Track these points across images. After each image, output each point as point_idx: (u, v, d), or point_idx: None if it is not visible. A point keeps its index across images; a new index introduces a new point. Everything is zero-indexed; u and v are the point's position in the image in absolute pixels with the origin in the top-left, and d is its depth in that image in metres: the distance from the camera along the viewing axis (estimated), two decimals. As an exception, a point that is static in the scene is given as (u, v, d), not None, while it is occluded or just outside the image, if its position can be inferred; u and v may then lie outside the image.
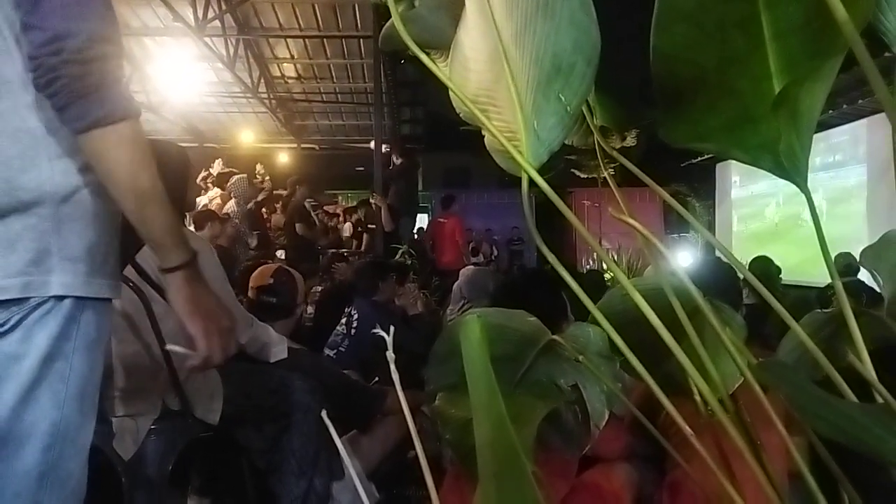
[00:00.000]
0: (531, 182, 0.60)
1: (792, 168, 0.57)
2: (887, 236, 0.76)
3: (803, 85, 0.53)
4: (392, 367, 0.54)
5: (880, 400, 0.52)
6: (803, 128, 0.56)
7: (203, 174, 7.07)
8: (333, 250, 7.30)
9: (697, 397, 0.61)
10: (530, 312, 0.78)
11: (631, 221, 0.54)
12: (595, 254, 10.13)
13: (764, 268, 4.11)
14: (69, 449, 0.96)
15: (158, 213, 0.96)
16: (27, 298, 0.92)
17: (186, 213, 1.91)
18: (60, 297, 0.94)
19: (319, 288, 3.92)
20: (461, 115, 0.72)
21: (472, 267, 4.70)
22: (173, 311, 1.01)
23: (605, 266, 9.02)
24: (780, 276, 4.68)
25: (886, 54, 0.67)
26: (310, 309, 3.78)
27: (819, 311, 0.70)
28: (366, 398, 2.13)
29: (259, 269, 2.42)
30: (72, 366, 0.96)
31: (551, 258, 0.57)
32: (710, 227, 11.99)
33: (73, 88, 0.88)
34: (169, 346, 1.04)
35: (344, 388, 2.04)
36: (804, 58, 0.58)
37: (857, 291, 2.88)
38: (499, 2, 0.56)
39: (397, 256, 6.07)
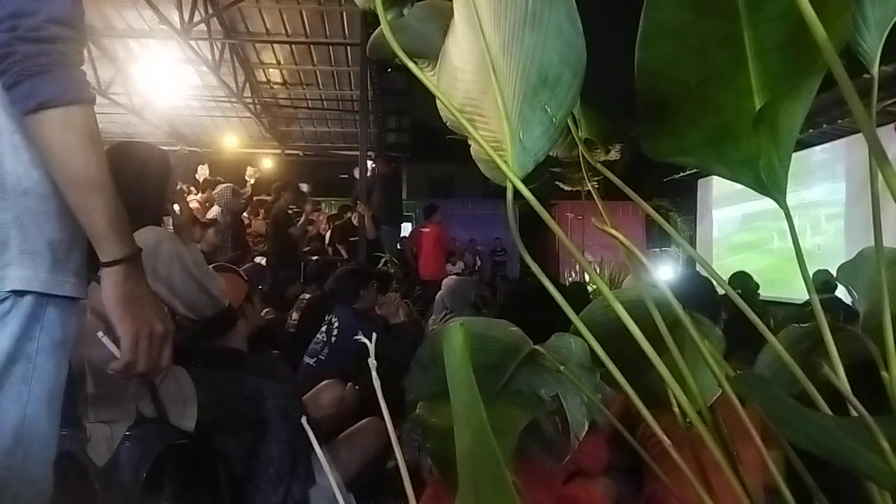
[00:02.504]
0: (516, 193, 0.60)
1: (772, 184, 0.58)
2: (863, 253, 0.78)
3: (783, 103, 0.54)
4: (374, 373, 0.54)
5: (855, 414, 0.53)
6: (783, 145, 0.57)
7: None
8: (316, 257, 7.26)
9: (676, 409, 0.62)
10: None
11: (613, 232, 0.55)
12: (578, 266, 10.18)
13: (743, 283, 4.18)
14: (34, 451, 0.94)
15: (100, 203, 0.92)
16: None
17: (165, 216, 1.87)
18: (20, 293, 0.92)
19: (307, 296, 3.88)
20: (448, 123, 0.73)
21: (454, 277, 4.70)
22: (105, 309, 0.95)
23: (587, 278, 9.06)
24: (759, 291, 4.75)
25: (865, 75, 0.68)
26: (295, 315, 3.75)
27: (796, 325, 0.71)
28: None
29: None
30: (35, 366, 0.93)
31: (535, 269, 0.57)
32: (692, 241, 12.12)
33: (24, 66, 0.86)
34: (100, 334, 0.98)
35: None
36: (785, 76, 0.60)
37: (834, 308, 2.93)
38: (487, 13, 0.57)
39: (380, 265, 6.06)
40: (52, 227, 0.95)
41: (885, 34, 0.63)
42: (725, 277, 4.50)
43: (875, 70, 0.65)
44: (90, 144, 0.92)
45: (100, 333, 0.97)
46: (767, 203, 0.59)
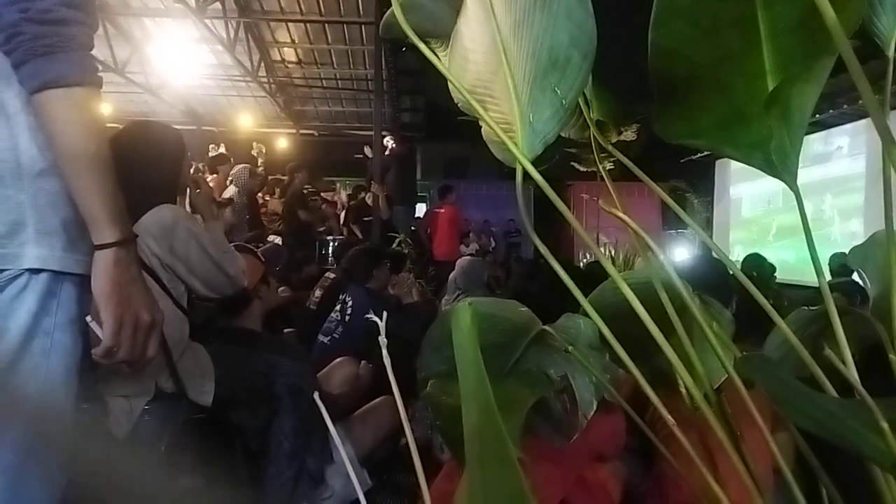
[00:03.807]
0: (526, 174, 0.60)
1: (782, 166, 0.58)
2: (875, 237, 0.77)
3: (795, 84, 0.54)
4: (384, 351, 0.55)
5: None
6: (794, 127, 0.56)
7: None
8: (331, 238, 7.30)
9: (683, 391, 0.63)
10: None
11: (621, 215, 0.55)
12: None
13: (756, 265, 4.12)
14: (52, 424, 0.97)
15: (97, 185, 0.93)
16: (1, 271, 0.91)
17: (179, 196, 1.88)
18: (36, 272, 0.94)
19: (331, 275, 3.90)
20: (459, 105, 0.73)
21: (467, 258, 4.71)
22: (93, 292, 0.95)
23: (610, 259, 9.02)
24: (775, 274, 4.70)
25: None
26: (318, 293, 3.77)
27: (805, 308, 0.71)
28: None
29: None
30: (53, 341, 0.95)
31: (544, 251, 0.58)
32: (709, 223, 12.00)
33: (33, 46, 0.88)
34: (88, 318, 0.97)
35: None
36: (798, 57, 0.59)
37: (852, 291, 2.90)
38: (498, -6, 0.57)
39: (394, 245, 6.08)
40: (67, 207, 0.96)
41: (903, 15, 0.62)
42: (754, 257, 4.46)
43: (891, 52, 0.64)
44: (91, 126, 0.93)
45: (88, 318, 0.98)
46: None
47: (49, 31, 0.88)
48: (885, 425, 0.38)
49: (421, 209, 9.78)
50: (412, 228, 7.64)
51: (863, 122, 8.34)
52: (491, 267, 5.94)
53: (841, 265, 4.58)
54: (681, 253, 10.00)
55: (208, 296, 1.75)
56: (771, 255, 6.23)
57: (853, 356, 0.62)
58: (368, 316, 0.59)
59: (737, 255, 9.65)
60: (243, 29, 9.12)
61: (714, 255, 2.39)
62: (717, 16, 0.61)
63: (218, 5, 8.03)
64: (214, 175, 6.70)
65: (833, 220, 8.76)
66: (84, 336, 1.02)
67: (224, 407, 1.63)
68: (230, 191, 6.27)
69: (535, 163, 0.61)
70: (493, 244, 12.43)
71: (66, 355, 0.98)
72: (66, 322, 0.97)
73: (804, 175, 8.79)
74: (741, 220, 11.25)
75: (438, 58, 0.77)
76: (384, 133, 7.88)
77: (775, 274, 4.71)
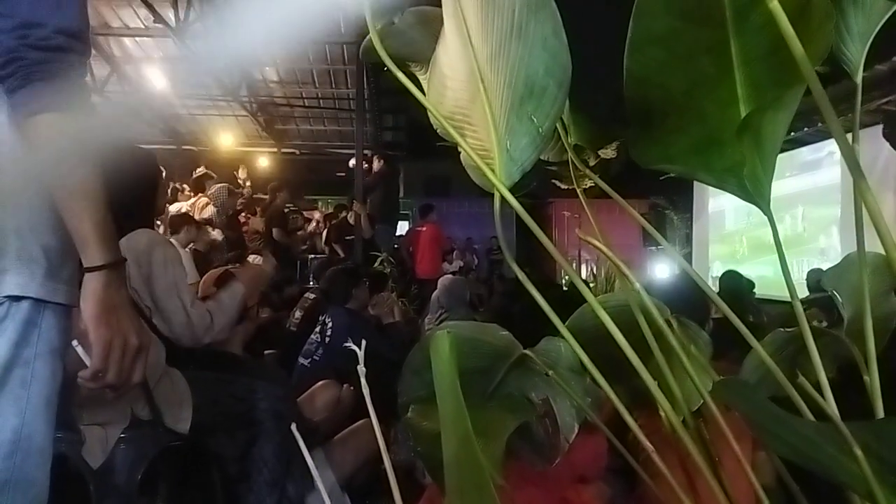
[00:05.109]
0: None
1: (756, 191, 0.59)
2: (848, 258, 0.79)
3: (766, 113, 0.55)
4: (363, 380, 0.55)
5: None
6: (767, 153, 0.57)
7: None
8: (312, 256, 7.27)
9: (663, 414, 0.63)
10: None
11: (597, 244, 0.56)
12: (577, 264, 10.18)
13: (734, 283, 4.15)
14: (32, 456, 0.94)
15: (88, 208, 0.93)
16: None
17: (157, 218, 1.88)
18: (16, 299, 0.93)
19: (311, 295, 3.88)
20: (438, 130, 0.73)
21: (449, 276, 4.71)
22: (81, 315, 0.95)
23: (592, 277, 9.04)
24: (754, 290, 4.75)
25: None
26: (298, 314, 3.74)
27: (782, 329, 0.72)
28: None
29: (205, 276, 2.37)
30: (33, 372, 0.94)
31: (522, 278, 0.58)
32: (688, 239, 12.12)
33: (30, 72, 0.89)
34: (74, 343, 0.97)
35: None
36: (769, 85, 0.60)
37: (830, 306, 2.93)
38: (475, 24, 0.58)
39: (376, 264, 6.06)
40: (49, 234, 0.96)
41: (868, 44, 0.63)
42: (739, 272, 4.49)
43: (859, 78, 0.65)
44: (83, 151, 0.94)
45: (74, 342, 0.97)
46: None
47: (48, 57, 0.90)
48: (858, 452, 0.38)
49: (403, 227, 9.77)
50: (395, 247, 7.63)
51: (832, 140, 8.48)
52: (474, 285, 5.94)
53: (817, 281, 4.64)
54: (662, 269, 10.07)
55: (167, 333, 1.70)
56: (751, 271, 6.29)
57: (829, 376, 0.63)
58: (347, 344, 0.59)
59: (717, 270, 9.74)
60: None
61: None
62: (691, 43, 0.62)
63: (199, 25, 8.03)
64: (200, 194, 6.66)
65: (817, 233, 8.85)
66: (63, 365, 1.00)
67: (202, 434, 1.60)
68: (209, 210, 6.23)
69: (513, 188, 0.61)
70: (476, 261, 12.44)
71: (46, 387, 0.96)
72: (47, 352, 0.96)
73: (790, 186, 8.90)
74: (721, 235, 11.37)
75: (419, 82, 0.77)
76: (369, 152, 7.89)
77: (754, 290, 4.76)
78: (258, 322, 2.78)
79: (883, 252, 0.50)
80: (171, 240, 4.11)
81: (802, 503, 0.56)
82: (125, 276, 0.99)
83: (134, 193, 1.72)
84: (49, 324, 0.96)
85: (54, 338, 0.97)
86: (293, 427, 0.60)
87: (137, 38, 8.69)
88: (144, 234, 1.66)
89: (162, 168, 1.87)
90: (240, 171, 8.12)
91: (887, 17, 0.63)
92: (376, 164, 7.29)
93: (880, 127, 6.27)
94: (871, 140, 6.41)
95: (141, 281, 1.64)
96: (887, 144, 6.12)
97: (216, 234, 5.36)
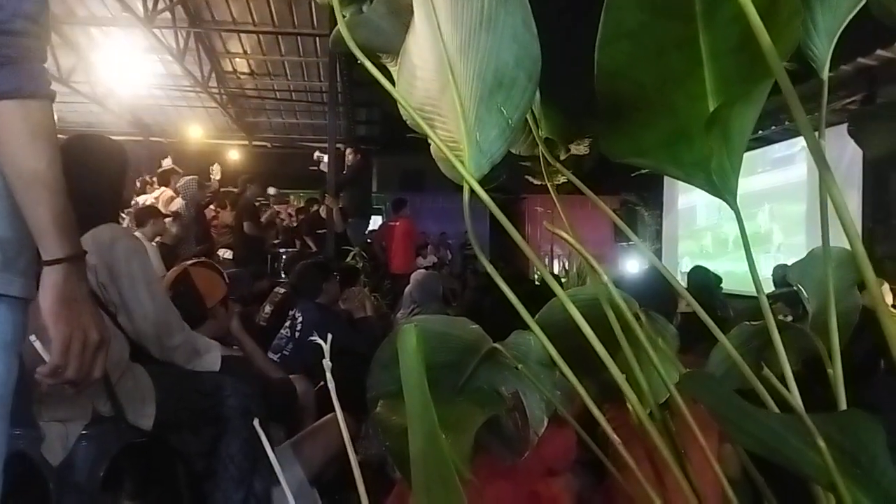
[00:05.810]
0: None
1: (723, 186, 0.59)
2: (813, 253, 0.80)
3: (734, 107, 0.55)
4: (328, 375, 0.54)
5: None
6: (734, 148, 0.58)
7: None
8: (284, 250, 7.19)
9: (630, 407, 0.63)
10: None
11: (566, 237, 0.55)
12: (549, 259, 10.26)
13: (702, 278, 4.21)
14: None
15: (48, 199, 0.90)
16: None
17: (123, 210, 1.83)
18: None
19: (281, 290, 3.82)
20: (408, 122, 0.72)
21: (422, 271, 4.70)
22: (39, 309, 0.92)
23: (564, 272, 9.11)
24: (721, 285, 4.82)
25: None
26: (268, 308, 3.68)
27: (747, 323, 0.73)
28: (279, 393, 2.15)
29: (167, 275, 2.33)
30: None
31: (492, 272, 0.58)
32: (658, 235, 12.29)
33: None
34: (32, 338, 0.95)
35: (262, 387, 2.02)
36: (738, 80, 0.61)
37: (796, 301, 2.99)
38: (445, 15, 0.57)
39: (349, 259, 6.02)
40: (3, 226, 0.93)
41: (835, 40, 0.64)
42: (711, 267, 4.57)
43: (825, 75, 0.66)
44: (44, 139, 0.91)
45: (32, 337, 0.94)
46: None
47: (5, 41, 0.87)
48: (821, 443, 0.39)
49: (376, 222, 9.73)
50: (367, 241, 7.59)
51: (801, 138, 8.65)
52: (447, 280, 5.95)
53: (783, 276, 4.74)
54: (632, 265, 10.20)
55: (132, 330, 1.66)
56: (719, 266, 6.39)
57: (794, 369, 0.64)
58: (313, 338, 0.58)
59: (685, 266, 9.87)
60: (193, 38, 8.95)
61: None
62: (661, 38, 0.62)
63: (167, 14, 7.87)
64: (165, 188, 6.53)
65: (784, 230, 9.02)
66: (19, 361, 0.97)
67: (166, 430, 1.57)
68: (177, 203, 6.11)
69: (483, 181, 0.60)
70: (450, 256, 12.45)
71: (0, 383, 0.93)
72: (1, 347, 0.92)
73: (759, 183, 9.06)
74: (689, 231, 11.55)
75: (388, 73, 0.76)
76: (342, 145, 7.83)
77: (721, 285, 4.84)
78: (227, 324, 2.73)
79: (847, 247, 0.51)
80: (137, 233, 4.03)
81: (767, 495, 0.56)
82: (85, 269, 0.96)
83: (101, 184, 1.67)
84: (3, 317, 0.93)
85: (8, 332, 0.93)
86: (256, 423, 0.59)
87: (104, 28, 8.49)
88: (108, 228, 1.62)
89: (129, 160, 1.82)
90: (214, 168, 7.96)
91: (853, 13, 0.63)
92: (349, 158, 7.24)
93: (845, 126, 6.42)
94: (837, 139, 6.53)
95: (107, 276, 1.60)
96: (852, 143, 6.24)
97: (174, 228, 5.24)
